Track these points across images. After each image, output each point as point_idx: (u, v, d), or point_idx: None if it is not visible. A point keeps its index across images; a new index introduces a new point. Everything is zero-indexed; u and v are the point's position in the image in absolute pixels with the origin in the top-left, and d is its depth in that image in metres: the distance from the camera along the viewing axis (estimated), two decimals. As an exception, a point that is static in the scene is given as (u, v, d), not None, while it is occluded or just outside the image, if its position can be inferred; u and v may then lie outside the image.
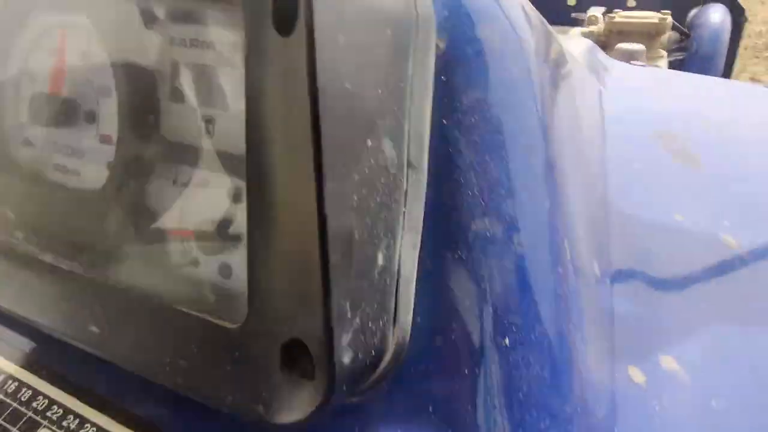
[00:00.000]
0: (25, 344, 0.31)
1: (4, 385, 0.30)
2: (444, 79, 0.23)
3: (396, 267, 0.22)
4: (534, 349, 0.23)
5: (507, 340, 0.22)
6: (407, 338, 0.22)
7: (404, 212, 0.22)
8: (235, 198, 0.26)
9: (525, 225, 0.24)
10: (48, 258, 0.30)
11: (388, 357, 0.22)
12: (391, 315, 0.22)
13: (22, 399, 0.29)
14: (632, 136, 0.38)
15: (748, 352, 0.31)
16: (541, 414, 0.22)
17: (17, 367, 0.30)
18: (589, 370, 0.25)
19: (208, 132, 0.27)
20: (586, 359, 0.25)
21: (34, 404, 0.29)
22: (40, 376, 0.29)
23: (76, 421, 0.28)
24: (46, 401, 0.29)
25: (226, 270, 0.26)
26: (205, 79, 0.27)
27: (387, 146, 0.21)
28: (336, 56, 0.18)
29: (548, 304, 0.24)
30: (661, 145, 0.45)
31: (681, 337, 0.30)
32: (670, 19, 1.07)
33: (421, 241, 0.22)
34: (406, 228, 0.22)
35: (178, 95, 0.28)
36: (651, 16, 1.07)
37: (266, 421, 0.21)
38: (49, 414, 0.28)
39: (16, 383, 0.29)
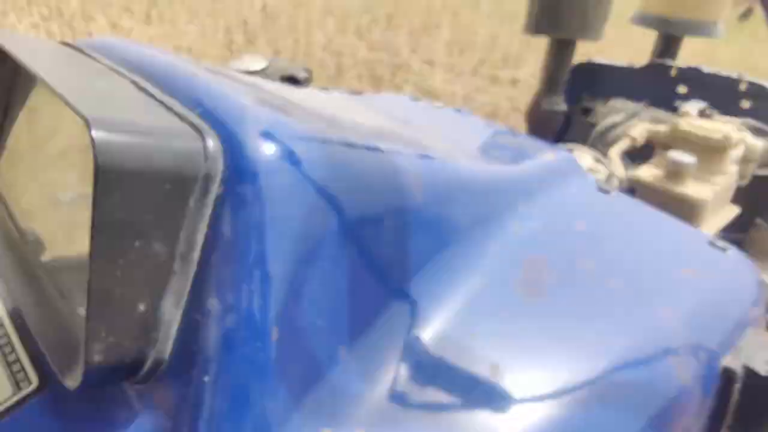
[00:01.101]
0: None
1: None
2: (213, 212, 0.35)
3: (159, 313, 0.35)
4: (223, 386, 0.34)
5: (207, 378, 0.34)
6: (164, 356, 0.35)
7: (171, 284, 0.35)
8: None
9: (245, 308, 0.35)
10: None
11: (147, 365, 0.35)
12: (151, 340, 0.35)
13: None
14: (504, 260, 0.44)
15: None
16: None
17: None
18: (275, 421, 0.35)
19: None
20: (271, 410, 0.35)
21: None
22: None
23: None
24: None
25: None
26: None
27: (157, 246, 0.34)
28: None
29: (243, 358, 0.35)
30: (521, 273, 0.50)
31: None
32: (739, 136, 0.99)
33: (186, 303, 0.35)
34: (171, 292, 0.35)
35: None
36: (716, 131, 0.96)
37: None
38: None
39: None
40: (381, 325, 0.41)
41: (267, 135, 0.36)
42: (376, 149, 0.42)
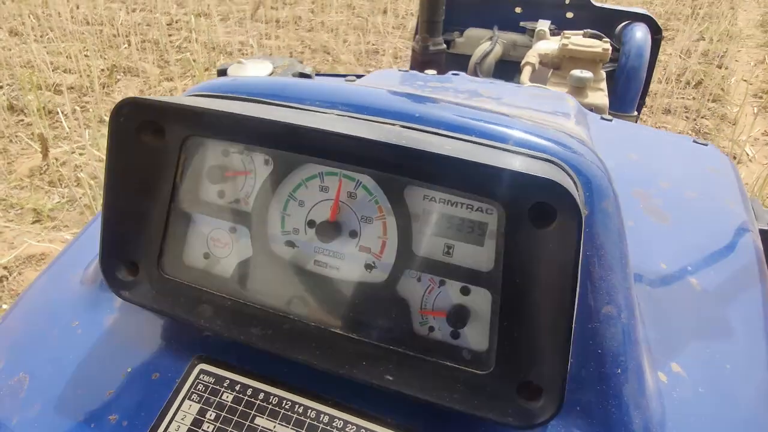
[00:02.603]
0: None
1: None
2: (587, 230, 0.42)
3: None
4: (632, 372, 0.43)
5: (619, 370, 0.43)
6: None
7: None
8: (464, 291, 0.43)
9: (626, 305, 0.44)
10: (339, 330, 0.45)
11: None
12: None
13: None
14: (620, 195, 0.48)
15: (717, 357, 0.50)
16: (633, 406, 0.43)
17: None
18: (649, 378, 0.46)
19: (448, 254, 0.43)
20: (646, 371, 0.46)
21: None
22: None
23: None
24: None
25: (455, 334, 0.43)
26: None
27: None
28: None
29: (635, 347, 0.45)
30: (640, 204, 0.66)
31: (677, 350, 0.51)
32: (610, 47, 1.27)
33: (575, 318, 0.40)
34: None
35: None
36: (596, 45, 1.26)
37: (514, 427, 0.39)
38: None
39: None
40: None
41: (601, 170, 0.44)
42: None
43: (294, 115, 0.45)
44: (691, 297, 0.56)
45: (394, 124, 0.45)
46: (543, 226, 0.37)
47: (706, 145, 0.82)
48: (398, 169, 0.42)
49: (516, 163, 0.38)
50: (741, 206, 0.72)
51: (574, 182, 0.41)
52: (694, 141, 0.82)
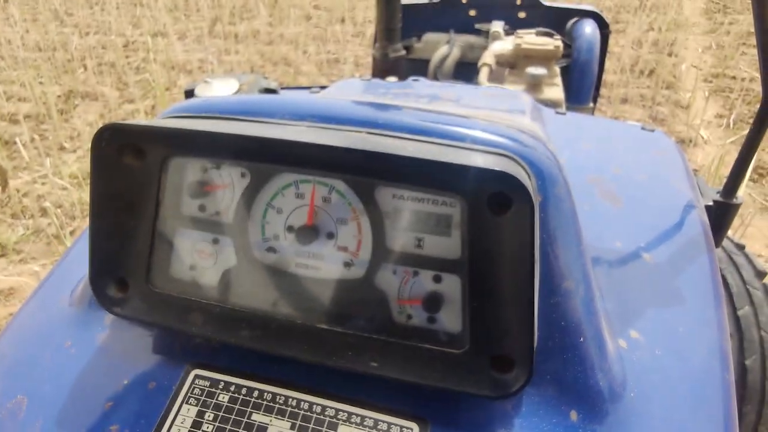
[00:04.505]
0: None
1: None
2: (542, 215, 0.46)
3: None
4: (593, 339, 0.48)
5: (582, 339, 0.47)
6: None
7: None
8: (435, 280, 0.47)
9: (583, 279, 0.49)
10: (323, 325, 0.48)
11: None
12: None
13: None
14: (575, 183, 0.51)
15: (671, 321, 0.56)
16: (597, 370, 0.47)
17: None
18: (610, 344, 0.50)
19: (419, 246, 0.47)
20: (606, 338, 0.50)
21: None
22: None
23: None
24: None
25: (431, 319, 0.47)
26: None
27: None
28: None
29: (595, 317, 0.49)
30: (595, 190, 0.71)
31: (634, 319, 0.56)
32: (561, 44, 1.35)
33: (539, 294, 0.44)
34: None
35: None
36: (548, 43, 1.33)
37: (492, 397, 0.43)
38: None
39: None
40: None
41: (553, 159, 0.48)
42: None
43: (267, 129, 0.48)
44: (645, 270, 0.61)
45: (360, 132, 0.48)
46: (501, 214, 0.41)
47: (653, 131, 0.88)
48: (367, 173, 0.45)
49: (473, 158, 0.42)
50: (687, 185, 0.78)
51: (527, 172, 0.45)
52: (642, 128, 0.88)
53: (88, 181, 0.47)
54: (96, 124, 3.14)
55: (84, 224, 2.35)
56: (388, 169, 0.43)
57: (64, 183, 2.58)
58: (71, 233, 2.31)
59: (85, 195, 2.43)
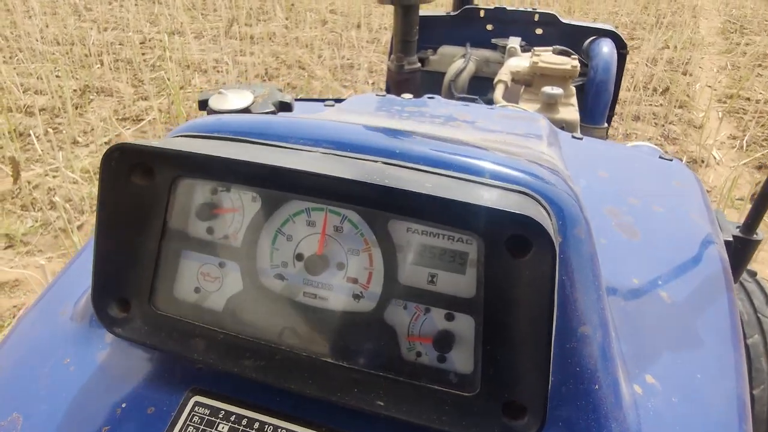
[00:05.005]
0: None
1: None
2: (561, 256, 0.44)
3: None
4: (608, 386, 0.46)
5: (597, 386, 0.46)
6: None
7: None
8: (448, 317, 0.45)
9: (600, 324, 0.47)
10: (329, 359, 0.47)
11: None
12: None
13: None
14: (592, 215, 0.50)
15: (688, 367, 0.53)
16: (612, 419, 0.46)
17: None
18: (625, 391, 0.49)
19: (432, 282, 0.45)
20: (622, 385, 0.49)
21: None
22: None
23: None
24: None
25: (441, 359, 0.46)
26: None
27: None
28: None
29: (611, 363, 0.48)
30: (612, 222, 0.69)
31: (650, 362, 0.54)
32: (578, 64, 1.32)
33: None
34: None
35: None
36: (566, 63, 1.31)
37: None
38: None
39: None
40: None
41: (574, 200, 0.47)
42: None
43: (279, 155, 0.47)
44: (662, 310, 0.59)
45: (376, 161, 0.47)
46: (520, 256, 0.39)
47: (671, 160, 0.86)
48: (382, 206, 0.44)
49: (492, 197, 0.41)
50: (706, 219, 0.76)
51: (548, 213, 0.44)
52: (660, 157, 0.87)
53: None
54: (110, 119, 3.16)
55: (92, 219, 2.35)
56: (403, 204, 0.42)
57: (75, 177, 2.59)
58: (79, 227, 2.32)
59: (95, 189, 2.43)
